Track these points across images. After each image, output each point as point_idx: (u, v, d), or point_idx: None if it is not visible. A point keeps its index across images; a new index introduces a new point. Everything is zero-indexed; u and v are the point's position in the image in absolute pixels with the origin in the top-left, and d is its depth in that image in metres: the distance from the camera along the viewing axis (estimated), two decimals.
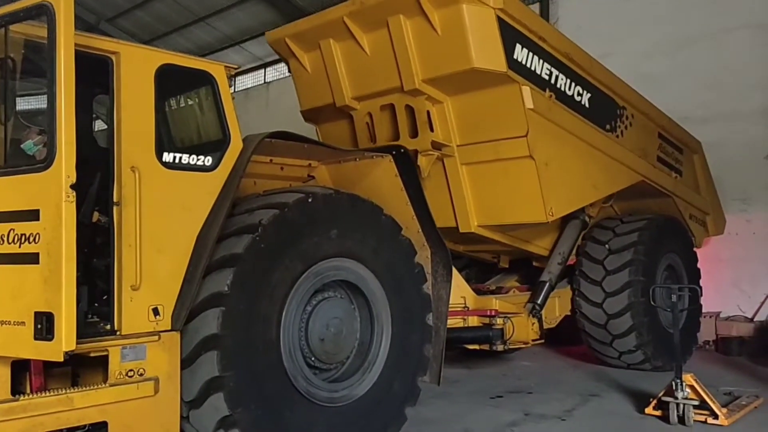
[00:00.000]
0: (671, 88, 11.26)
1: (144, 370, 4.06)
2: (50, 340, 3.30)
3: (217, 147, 4.60)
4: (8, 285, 3.54)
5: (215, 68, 4.60)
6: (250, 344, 4.35)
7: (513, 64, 6.36)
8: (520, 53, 6.50)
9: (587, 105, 7.43)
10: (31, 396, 3.67)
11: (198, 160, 4.46)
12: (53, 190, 3.35)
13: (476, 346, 7.42)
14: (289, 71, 7.56)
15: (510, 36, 6.35)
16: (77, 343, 3.56)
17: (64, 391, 3.75)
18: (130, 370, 4.00)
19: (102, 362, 4.05)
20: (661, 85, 11.26)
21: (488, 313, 7.29)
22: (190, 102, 4.97)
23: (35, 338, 3.35)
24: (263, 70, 19.64)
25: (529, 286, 8.37)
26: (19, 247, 3.47)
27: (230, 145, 4.61)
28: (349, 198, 5.12)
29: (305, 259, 4.73)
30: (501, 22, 6.22)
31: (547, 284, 7.87)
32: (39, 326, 3.33)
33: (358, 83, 6.94)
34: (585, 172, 7.40)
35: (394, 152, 5.70)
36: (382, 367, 5.19)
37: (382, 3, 6.29)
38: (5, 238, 3.52)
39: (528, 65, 6.59)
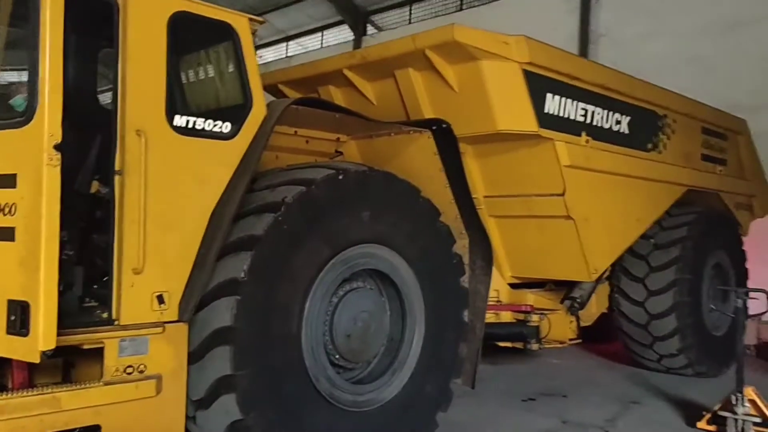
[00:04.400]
0: (721, 72, 10.55)
1: (145, 366, 3.51)
2: (24, 335, 2.74)
3: (237, 112, 4.01)
4: None
5: (238, 20, 3.98)
6: (267, 339, 3.82)
7: (544, 120, 5.62)
8: (552, 103, 5.75)
9: (627, 131, 6.71)
10: (11, 395, 3.12)
11: (215, 125, 3.88)
12: (33, 150, 2.76)
13: (508, 344, 6.86)
14: None
15: (539, 88, 5.61)
16: (67, 333, 3.02)
17: (50, 390, 3.20)
18: (129, 366, 3.45)
19: (100, 353, 3.51)
20: (710, 68, 10.57)
21: (523, 309, 6.74)
22: (207, 59, 4.36)
23: (7, 332, 2.79)
24: (285, 44, 19.04)
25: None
26: None
27: (252, 110, 4.02)
28: (384, 176, 4.53)
29: (333, 243, 4.17)
30: (528, 76, 5.47)
31: (578, 299, 7.30)
32: (12, 318, 2.77)
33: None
34: (628, 209, 6.76)
35: (434, 127, 5.07)
36: (414, 367, 4.63)
37: (386, 59, 5.54)
38: None
39: (561, 114, 5.86)
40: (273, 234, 3.83)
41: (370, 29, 18.79)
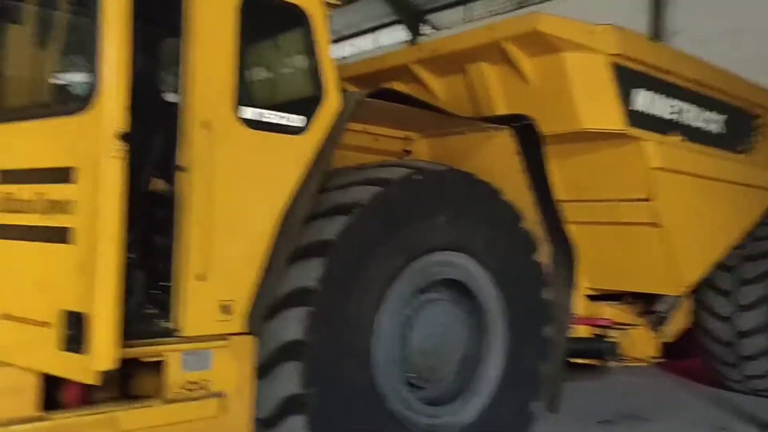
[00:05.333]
0: None
1: (208, 382, 3.18)
2: (81, 352, 2.42)
3: (309, 104, 3.66)
4: (33, 270, 2.69)
5: (312, 4, 3.64)
6: (339, 355, 3.47)
7: (633, 118, 5.12)
8: (641, 100, 5.24)
9: (720, 131, 6.13)
10: (65, 413, 2.83)
11: (285, 118, 3.53)
12: (93, 140, 2.45)
13: (583, 361, 6.35)
14: None
15: (628, 83, 5.11)
16: (126, 345, 2.72)
17: (107, 409, 2.89)
18: (192, 383, 3.13)
19: (158, 365, 3.20)
20: None
21: (601, 323, 6.22)
22: (278, 46, 4.04)
23: (62, 348, 2.49)
24: (340, 45, 18.86)
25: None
26: (49, 218, 2.60)
27: (325, 102, 3.67)
28: (464, 177, 4.15)
29: (408, 250, 3.80)
30: (616, 69, 4.99)
31: (661, 314, 6.74)
32: (67, 331, 2.46)
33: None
34: (720, 216, 6.17)
35: (516, 124, 4.65)
36: (494, 388, 4.20)
37: (458, 52, 5.17)
38: (32, 206, 2.66)
39: (651, 112, 5.33)
40: (346, 239, 3.49)
41: (425, 29, 18.41)
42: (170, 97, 4.01)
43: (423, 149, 5.26)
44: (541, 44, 4.84)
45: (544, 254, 4.68)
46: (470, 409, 4.10)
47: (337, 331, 3.46)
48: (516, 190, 4.62)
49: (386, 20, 19.34)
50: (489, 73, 5.22)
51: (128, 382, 3.46)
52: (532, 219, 4.66)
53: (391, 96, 4.04)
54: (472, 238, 4.13)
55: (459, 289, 4.23)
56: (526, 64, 5.01)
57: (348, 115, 3.68)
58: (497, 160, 4.76)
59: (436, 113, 4.36)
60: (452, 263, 4.07)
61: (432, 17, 18.33)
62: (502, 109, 5.24)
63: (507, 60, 5.00)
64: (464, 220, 4.09)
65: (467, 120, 4.74)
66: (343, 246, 3.47)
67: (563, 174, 5.70)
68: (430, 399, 4.10)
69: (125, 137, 2.42)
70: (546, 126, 4.99)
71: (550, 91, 5.02)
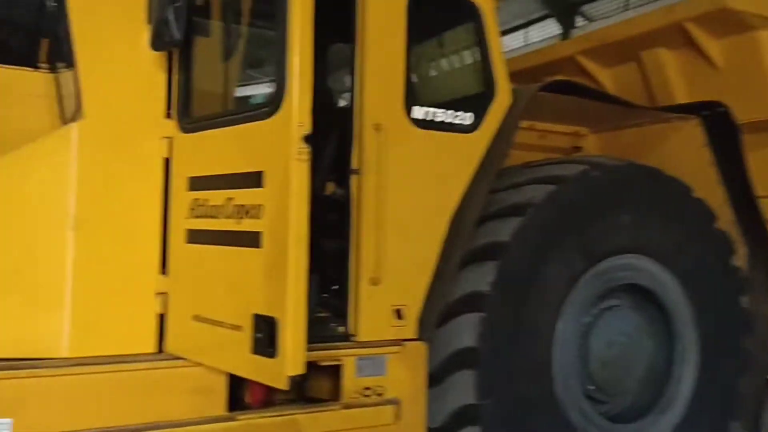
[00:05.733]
0: None
1: (383, 389, 3.13)
2: (271, 356, 2.45)
3: (479, 101, 3.51)
4: (224, 273, 2.77)
5: None
6: (515, 364, 3.29)
7: None
8: None
9: None
10: (251, 414, 2.90)
11: (456, 117, 3.41)
12: (280, 143, 2.47)
13: None
14: None
15: None
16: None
17: (289, 411, 2.92)
18: (367, 388, 3.09)
19: (331, 370, 3.19)
20: None
21: None
22: (447, 42, 3.93)
23: (253, 351, 2.53)
24: None
25: None
26: (239, 223, 2.67)
27: (496, 98, 3.50)
28: (648, 173, 3.80)
29: (588, 253, 3.54)
30: None
31: None
32: (258, 335, 2.49)
33: None
34: None
35: (705, 113, 4.20)
36: (686, 405, 3.80)
37: (632, 38, 4.77)
38: (223, 211, 2.75)
39: None
40: (521, 241, 3.30)
41: (578, 21, 17.59)
42: (341, 101, 4.05)
43: (593, 145, 4.93)
44: (731, 23, 4.34)
45: (741, 258, 4.18)
46: (659, 427, 3.75)
47: (512, 339, 3.29)
48: (704, 186, 4.17)
49: (536, 16, 18.75)
50: (668, 59, 4.78)
51: (303, 386, 3.51)
52: (725, 219, 4.18)
53: (566, 88, 3.78)
54: (658, 240, 3.77)
55: (642, 295, 3.88)
56: (713, 46, 4.53)
57: (520, 110, 3.49)
58: (681, 154, 4.34)
59: (616, 105, 4.03)
60: (636, 267, 3.74)
61: (586, 8, 17.48)
62: (683, 98, 4.77)
63: (689, 43, 4.55)
64: (649, 220, 3.75)
65: (650, 111, 4.36)
66: (517, 248, 3.29)
67: (759, 167, 5.08)
68: (613, 415, 3.79)
69: (309, 140, 2.42)
70: (738, 113, 4.49)
71: (742, 74, 4.50)
